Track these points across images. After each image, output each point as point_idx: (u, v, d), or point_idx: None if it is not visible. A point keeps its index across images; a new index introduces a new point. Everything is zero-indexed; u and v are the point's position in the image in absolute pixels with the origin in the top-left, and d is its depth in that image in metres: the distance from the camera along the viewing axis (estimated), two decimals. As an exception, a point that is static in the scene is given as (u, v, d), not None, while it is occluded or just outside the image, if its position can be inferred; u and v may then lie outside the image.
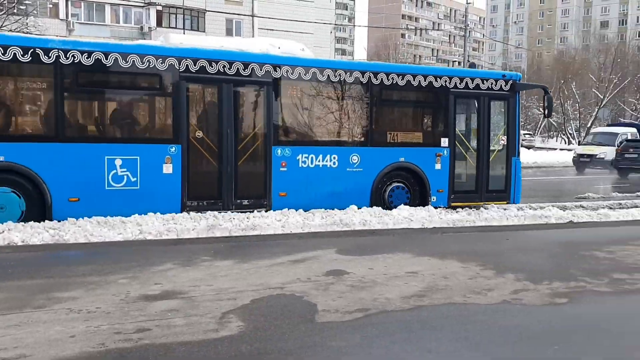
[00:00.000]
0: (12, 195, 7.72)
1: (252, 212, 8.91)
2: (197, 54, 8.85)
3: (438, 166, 10.49)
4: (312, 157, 9.59)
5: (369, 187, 9.98)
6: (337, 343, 3.96)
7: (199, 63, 8.78)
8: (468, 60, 39.04)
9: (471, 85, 10.79)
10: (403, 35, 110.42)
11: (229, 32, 34.96)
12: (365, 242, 7.60)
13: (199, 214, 8.45)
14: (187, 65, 8.68)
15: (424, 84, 10.37)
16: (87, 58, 8.10)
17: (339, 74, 9.75)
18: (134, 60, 8.38)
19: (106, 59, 8.22)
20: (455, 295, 5.21)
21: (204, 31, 34.33)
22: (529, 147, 44.79)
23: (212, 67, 8.87)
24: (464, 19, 35.94)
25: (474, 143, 10.96)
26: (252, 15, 36.19)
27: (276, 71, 9.30)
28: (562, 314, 4.78)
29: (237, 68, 9.04)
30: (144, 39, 29.57)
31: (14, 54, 7.69)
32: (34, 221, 7.57)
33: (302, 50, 10.42)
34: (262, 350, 3.76)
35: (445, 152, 10.53)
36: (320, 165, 9.64)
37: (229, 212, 8.82)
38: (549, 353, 3.92)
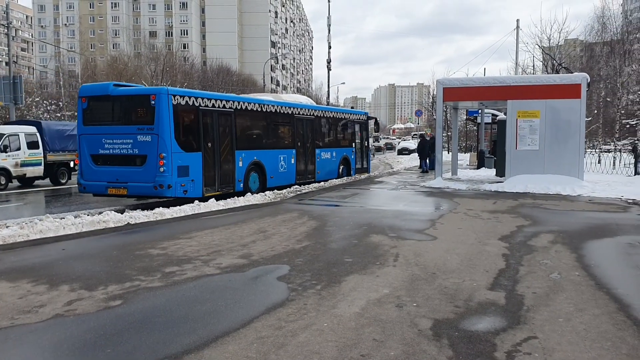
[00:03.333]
0: (258, 175, 16.03)
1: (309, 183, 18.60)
2: (298, 106, 18.75)
3: (353, 157, 22.23)
4: (324, 154, 19.85)
5: (337, 167, 20.98)
6: None
7: (298, 109, 18.52)
8: (15, 62, 35.80)
9: (358, 118, 23.06)
10: None
11: None
12: None
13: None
14: (296, 111, 18.31)
15: (347, 117, 22.22)
16: (270, 106, 17.00)
17: (334, 115, 21.42)
18: (284, 109, 17.71)
19: (275, 106, 17.33)
20: (1, 319, 4.72)
21: None
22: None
23: (303, 110, 18.78)
24: (6, 15, 32.72)
25: (359, 145, 22.88)
26: None
27: (316, 112, 19.71)
28: (115, 316, 4.85)
29: (308, 111, 19.13)
30: None
31: (250, 108, 16.06)
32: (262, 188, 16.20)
33: (312, 101, 22.88)
34: None
35: (354, 149, 22.39)
36: (326, 158, 20.07)
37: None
38: (101, 358, 3.92)
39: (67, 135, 21.81)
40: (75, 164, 21.21)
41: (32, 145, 20.13)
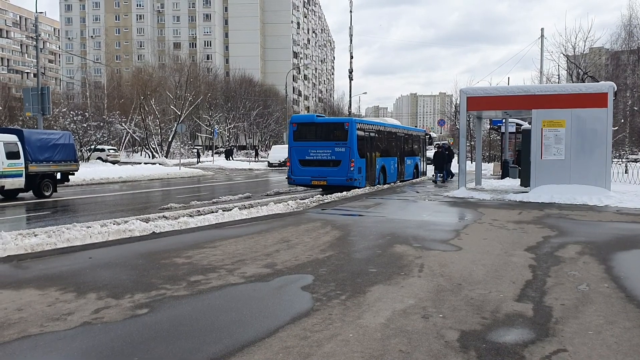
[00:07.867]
0: (383, 175, 22.63)
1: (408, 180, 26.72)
2: (397, 127, 26.25)
3: (419, 163, 28.50)
4: (407, 161, 26.16)
5: (412, 171, 27.17)
6: None
7: (397, 129, 25.69)
8: (43, 74, 36.38)
9: (421, 135, 29.67)
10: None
11: None
12: None
13: None
14: (397, 130, 25.47)
15: (417, 134, 28.84)
16: (383, 128, 23.56)
17: (411, 132, 27.95)
18: (393, 129, 25.08)
19: (391, 128, 24.88)
20: (31, 326, 4.78)
21: None
22: (114, 162, 44.74)
23: (399, 130, 25.99)
24: (35, 28, 33.40)
25: (422, 154, 29.13)
26: None
27: (404, 131, 26.75)
28: (142, 324, 4.88)
29: (401, 130, 26.29)
30: None
31: (382, 129, 23.19)
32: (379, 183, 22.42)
33: (399, 122, 29.97)
34: None
35: (420, 158, 28.60)
36: (408, 164, 26.33)
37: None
38: (129, 366, 3.94)
39: (52, 144, 20.06)
40: (64, 175, 20.80)
41: (11, 155, 18.23)
